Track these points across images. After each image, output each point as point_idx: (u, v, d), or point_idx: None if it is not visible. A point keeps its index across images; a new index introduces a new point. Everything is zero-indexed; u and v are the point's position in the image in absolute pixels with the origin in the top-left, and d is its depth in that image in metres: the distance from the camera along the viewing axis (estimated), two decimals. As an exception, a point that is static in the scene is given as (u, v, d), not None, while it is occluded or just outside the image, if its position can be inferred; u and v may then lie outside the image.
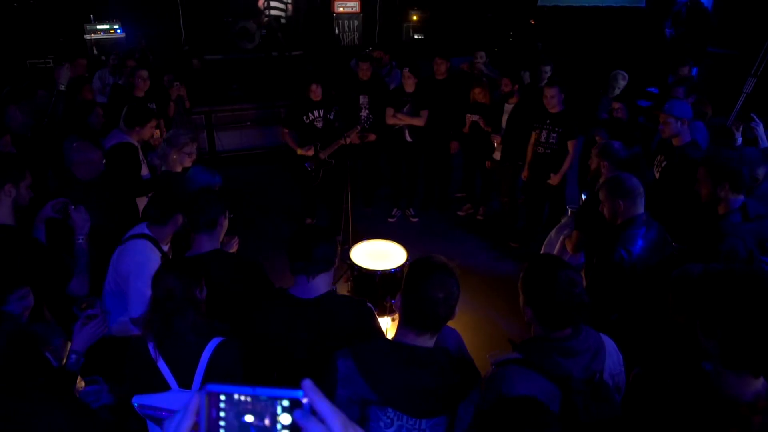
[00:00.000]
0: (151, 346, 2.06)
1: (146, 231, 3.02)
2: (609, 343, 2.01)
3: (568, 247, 3.55)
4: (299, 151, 5.89)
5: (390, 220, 6.93)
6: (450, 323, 3.65)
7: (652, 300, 2.66)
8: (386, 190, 7.32)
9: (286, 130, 5.99)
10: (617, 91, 6.07)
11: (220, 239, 2.72)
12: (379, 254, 4.54)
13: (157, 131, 5.50)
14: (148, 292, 2.83)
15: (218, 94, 8.48)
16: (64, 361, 2.32)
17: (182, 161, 3.99)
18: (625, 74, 6.17)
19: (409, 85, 6.26)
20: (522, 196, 6.62)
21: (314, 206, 6.52)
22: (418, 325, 1.85)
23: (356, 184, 6.02)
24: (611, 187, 2.91)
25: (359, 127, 5.95)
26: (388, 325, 4.19)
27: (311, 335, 2.27)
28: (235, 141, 8.50)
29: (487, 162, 6.35)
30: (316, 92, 5.84)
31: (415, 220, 6.93)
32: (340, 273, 5.64)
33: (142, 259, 2.88)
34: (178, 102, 6.84)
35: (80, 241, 2.87)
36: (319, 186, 6.09)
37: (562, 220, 3.78)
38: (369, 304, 2.44)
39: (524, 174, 5.85)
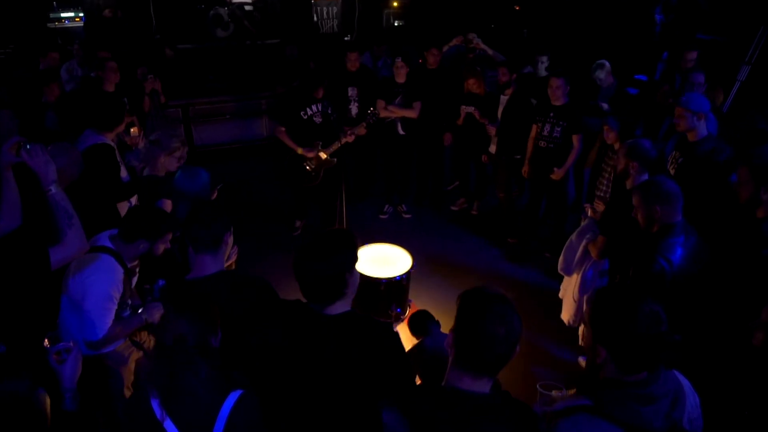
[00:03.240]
0: (155, 404, 1.75)
1: (108, 243, 2.72)
2: (685, 383, 1.78)
3: (593, 253, 3.34)
4: (300, 151, 5.49)
5: (382, 216, 6.66)
6: (446, 328, 3.40)
7: (702, 314, 2.46)
8: (377, 186, 7.03)
9: (283, 129, 5.55)
10: (602, 81, 5.88)
11: (225, 259, 2.41)
12: (382, 259, 4.27)
13: (135, 129, 5.10)
14: (107, 314, 2.59)
15: (194, 86, 8.03)
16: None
17: (170, 166, 3.64)
18: (604, 62, 5.96)
19: (401, 76, 5.97)
20: (516, 188, 6.42)
21: (306, 207, 6.20)
22: (476, 368, 1.60)
23: (347, 180, 5.70)
24: (647, 191, 2.69)
25: (364, 123, 5.57)
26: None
27: (333, 357, 1.97)
28: (214, 135, 8.10)
29: (483, 156, 6.11)
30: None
31: (408, 216, 6.67)
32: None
33: (100, 278, 2.61)
34: (153, 96, 6.42)
35: (52, 191, 2.29)
36: (317, 186, 5.72)
37: (582, 223, 3.57)
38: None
39: (524, 169, 5.63)
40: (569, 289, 3.63)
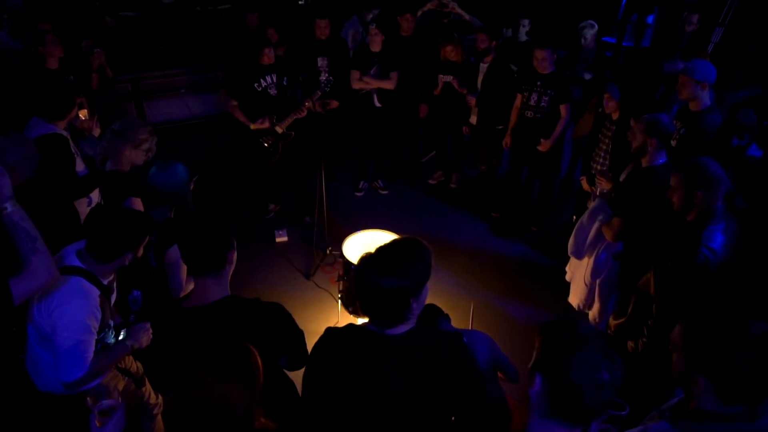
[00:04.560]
0: None
1: (76, 262, 2.29)
2: None
3: (608, 235, 3.15)
4: (253, 126, 5.10)
5: (357, 194, 6.34)
6: (448, 311, 3.19)
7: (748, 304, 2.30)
8: (352, 162, 6.68)
9: (235, 102, 5.15)
10: (586, 43, 5.65)
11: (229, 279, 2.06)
12: (374, 247, 3.97)
13: (84, 111, 4.55)
14: (85, 348, 2.19)
15: (143, 59, 7.37)
16: None
17: (137, 159, 3.21)
18: (594, 24, 5.74)
19: (376, 44, 5.57)
20: (494, 159, 6.20)
21: (278, 188, 5.80)
22: (575, 419, 1.35)
23: (325, 158, 5.32)
24: (691, 174, 2.48)
25: (318, 93, 5.22)
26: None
27: (400, 382, 1.71)
28: (168, 111, 7.50)
29: (464, 128, 5.83)
30: (269, 55, 5.03)
31: (385, 192, 6.38)
32: (316, 261, 5.07)
33: (72, 307, 2.18)
34: (100, 72, 5.81)
35: (8, 209, 1.87)
36: (279, 163, 5.36)
37: (593, 204, 3.37)
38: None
39: (506, 141, 5.40)
40: (579, 273, 3.45)
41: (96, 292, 2.30)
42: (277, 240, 5.44)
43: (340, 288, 4.06)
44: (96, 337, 2.28)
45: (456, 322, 3.05)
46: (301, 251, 5.30)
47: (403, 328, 1.73)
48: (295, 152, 5.36)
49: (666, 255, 2.55)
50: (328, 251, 5.07)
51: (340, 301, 4.13)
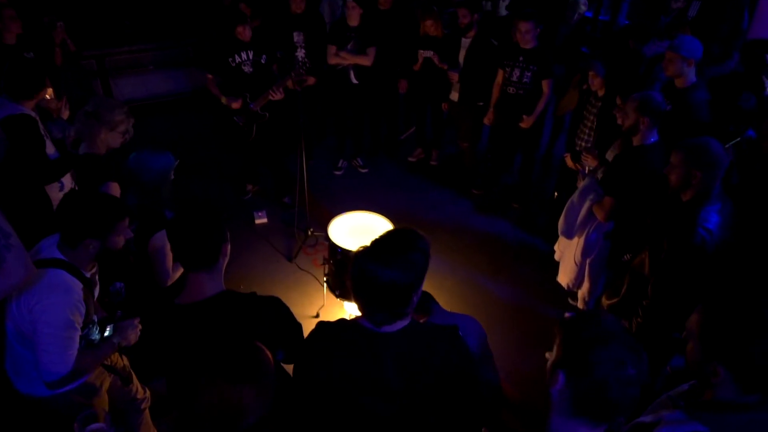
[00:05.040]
0: None
1: (57, 254, 2.18)
2: None
3: (599, 215, 3.13)
4: (223, 100, 4.93)
5: (337, 173, 6.22)
6: (431, 291, 3.16)
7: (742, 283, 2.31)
8: (330, 139, 6.53)
9: (211, 76, 4.99)
10: (578, 17, 5.61)
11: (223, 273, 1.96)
12: (360, 229, 3.91)
13: (50, 90, 4.32)
14: (68, 345, 2.08)
15: (108, 34, 7.01)
16: None
17: (113, 142, 3.05)
18: None
19: (353, 18, 5.40)
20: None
21: (256, 169, 5.65)
22: (600, 416, 1.31)
23: (306, 136, 5.16)
24: (692, 154, 2.45)
25: (293, 73, 5.05)
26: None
27: (400, 381, 1.66)
28: (137, 89, 7.19)
29: (443, 104, 5.75)
30: (243, 33, 4.84)
31: (365, 170, 6.27)
32: (297, 243, 4.98)
33: (53, 302, 2.07)
34: (63, 47, 5.52)
35: None
36: (256, 142, 5.21)
37: (583, 183, 3.35)
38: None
39: (488, 118, 5.33)
40: (568, 252, 3.45)
41: (79, 285, 2.18)
42: (257, 222, 5.31)
43: (326, 271, 3.98)
44: (80, 333, 2.17)
45: (442, 302, 3.01)
46: (282, 233, 5.19)
47: (399, 324, 1.66)
48: (272, 131, 5.20)
49: (661, 236, 2.53)
50: (309, 232, 4.97)
51: (326, 284, 4.05)
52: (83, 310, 2.16)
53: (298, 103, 4.83)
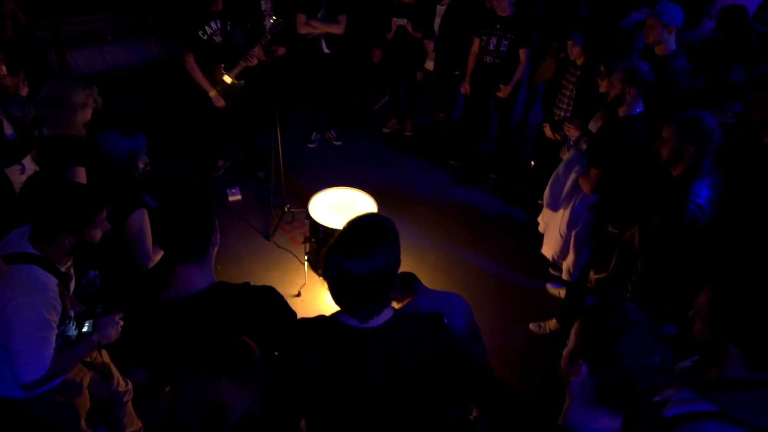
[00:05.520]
0: None
1: (30, 249, 2.04)
2: None
3: (585, 187, 3.10)
4: (212, 94, 4.70)
5: (310, 146, 6.07)
6: (411, 267, 3.11)
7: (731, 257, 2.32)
8: (302, 112, 6.35)
9: (192, 56, 4.66)
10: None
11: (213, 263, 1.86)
12: (341, 206, 3.83)
13: (2, 66, 4.04)
14: (44, 345, 1.96)
15: (62, 3, 6.59)
16: None
17: (84, 119, 2.87)
18: None
19: (323, -15, 5.20)
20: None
21: (225, 143, 5.46)
22: (623, 406, 1.28)
23: (279, 107, 4.97)
24: (685, 127, 2.41)
25: (269, 37, 4.83)
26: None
27: (386, 377, 1.62)
28: (95, 61, 6.83)
29: (418, 73, 5.62)
30: (217, 3, 4.58)
31: (339, 143, 6.14)
32: (274, 220, 4.86)
33: (26, 301, 1.95)
34: (14, 19, 5.18)
35: None
36: (226, 115, 5.00)
37: (568, 155, 3.31)
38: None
39: (465, 87, 5.25)
40: (553, 224, 3.43)
41: (54, 281, 2.05)
42: (230, 199, 5.16)
43: (307, 250, 3.89)
44: (56, 331, 2.04)
45: (426, 278, 2.98)
46: (257, 210, 5.06)
47: (383, 318, 1.61)
48: (242, 103, 5.01)
49: (652, 211, 2.52)
50: (286, 209, 4.85)
51: (307, 263, 3.97)
52: (59, 308, 2.03)
53: (270, 74, 4.65)
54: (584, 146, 3.26)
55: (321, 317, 1.73)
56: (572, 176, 3.17)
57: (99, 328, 2.15)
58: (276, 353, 1.89)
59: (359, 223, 1.61)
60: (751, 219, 2.54)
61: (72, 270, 2.27)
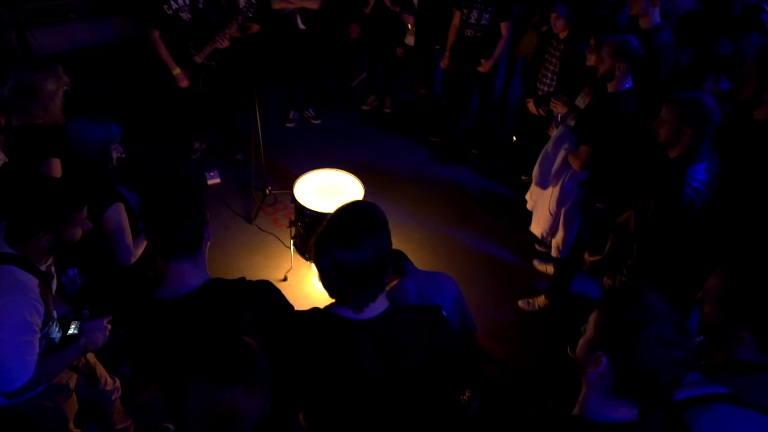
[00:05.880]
0: None
1: (7, 248, 1.94)
2: None
3: (575, 165, 3.08)
4: (175, 72, 4.51)
5: (288, 125, 5.93)
6: (397, 246, 3.09)
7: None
8: (278, 89, 6.19)
9: (156, 32, 4.44)
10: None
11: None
12: (327, 188, 3.75)
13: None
14: (27, 349, 1.87)
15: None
16: None
17: (57, 104, 2.72)
18: None
19: (298, -42, 5.01)
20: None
21: (200, 125, 5.29)
22: (644, 398, 1.26)
23: (258, 87, 4.80)
24: (685, 109, 2.36)
25: (240, 18, 4.66)
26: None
27: (380, 369, 1.59)
28: (57, 41, 6.52)
29: (398, 48, 5.50)
30: None
31: (317, 121, 6.01)
32: (256, 203, 4.75)
33: (8, 301, 1.86)
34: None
35: None
36: (200, 96, 4.84)
37: (556, 132, 3.27)
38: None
39: (445, 62, 5.16)
40: (542, 202, 3.41)
41: (34, 282, 1.95)
42: (209, 182, 5.03)
43: (293, 234, 3.82)
44: (39, 335, 1.95)
45: (412, 257, 2.95)
46: (238, 193, 4.95)
47: (378, 309, 1.58)
48: (218, 83, 4.84)
49: (648, 194, 2.49)
50: (267, 191, 4.75)
51: (293, 247, 3.90)
52: (42, 309, 1.93)
53: (247, 52, 4.48)
54: (572, 122, 3.22)
55: (315, 310, 1.69)
56: (561, 154, 3.13)
57: (86, 332, 2.05)
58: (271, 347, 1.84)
59: (348, 212, 1.56)
60: (741, 195, 2.54)
61: (53, 268, 2.16)
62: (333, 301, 1.62)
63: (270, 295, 1.77)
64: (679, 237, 2.40)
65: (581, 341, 1.34)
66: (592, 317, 1.31)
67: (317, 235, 1.54)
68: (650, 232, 2.47)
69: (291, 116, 5.96)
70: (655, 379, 1.19)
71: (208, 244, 1.74)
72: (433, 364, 1.67)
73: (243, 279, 1.77)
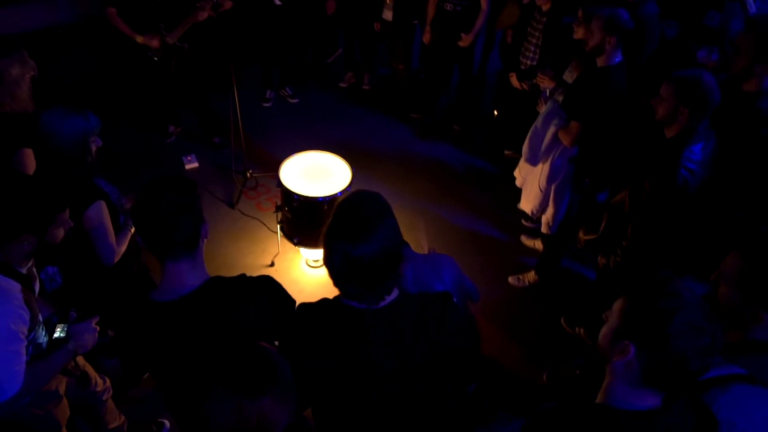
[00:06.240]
0: None
1: None
2: None
3: (565, 141, 3.05)
4: (139, 40, 4.32)
5: (265, 105, 5.78)
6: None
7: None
8: (254, 68, 6.00)
9: (114, 9, 4.28)
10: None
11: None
12: (313, 171, 3.66)
13: None
14: (14, 359, 1.78)
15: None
16: None
17: (25, 91, 2.57)
18: None
19: (271, -69, 4.82)
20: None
21: (175, 107, 5.11)
22: (671, 387, 1.25)
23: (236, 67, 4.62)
24: (683, 87, 2.32)
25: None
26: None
27: (392, 360, 1.55)
28: (12, 21, 6.19)
29: (375, 24, 5.37)
30: None
31: (295, 101, 5.87)
32: (237, 188, 4.63)
33: None
34: None
35: None
36: (173, 78, 4.66)
37: (545, 108, 3.23)
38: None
39: (426, 36, 5.06)
40: (531, 178, 3.38)
41: (17, 287, 1.84)
42: (187, 167, 4.88)
43: (279, 219, 3.73)
44: (26, 343, 1.85)
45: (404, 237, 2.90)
46: (218, 177, 4.81)
47: (389, 297, 1.53)
48: (192, 64, 4.66)
49: (643, 175, 2.47)
50: (248, 174, 4.64)
51: (280, 232, 3.81)
52: (27, 316, 1.83)
53: (220, 31, 4.31)
54: (560, 98, 3.19)
55: (324, 301, 1.63)
56: (551, 130, 3.10)
57: (75, 335, 1.96)
58: (276, 343, 1.79)
59: (353, 205, 1.49)
60: (732, 170, 2.55)
61: (34, 269, 2.06)
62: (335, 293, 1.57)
63: (272, 291, 1.71)
64: (674, 218, 2.40)
65: (604, 329, 1.31)
66: (617, 305, 1.29)
67: (326, 235, 1.47)
68: (645, 213, 2.45)
69: (268, 95, 5.81)
70: (685, 367, 1.18)
71: (205, 241, 1.66)
72: (444, 355, 1.63)
73: (243, 275, 1.70)
